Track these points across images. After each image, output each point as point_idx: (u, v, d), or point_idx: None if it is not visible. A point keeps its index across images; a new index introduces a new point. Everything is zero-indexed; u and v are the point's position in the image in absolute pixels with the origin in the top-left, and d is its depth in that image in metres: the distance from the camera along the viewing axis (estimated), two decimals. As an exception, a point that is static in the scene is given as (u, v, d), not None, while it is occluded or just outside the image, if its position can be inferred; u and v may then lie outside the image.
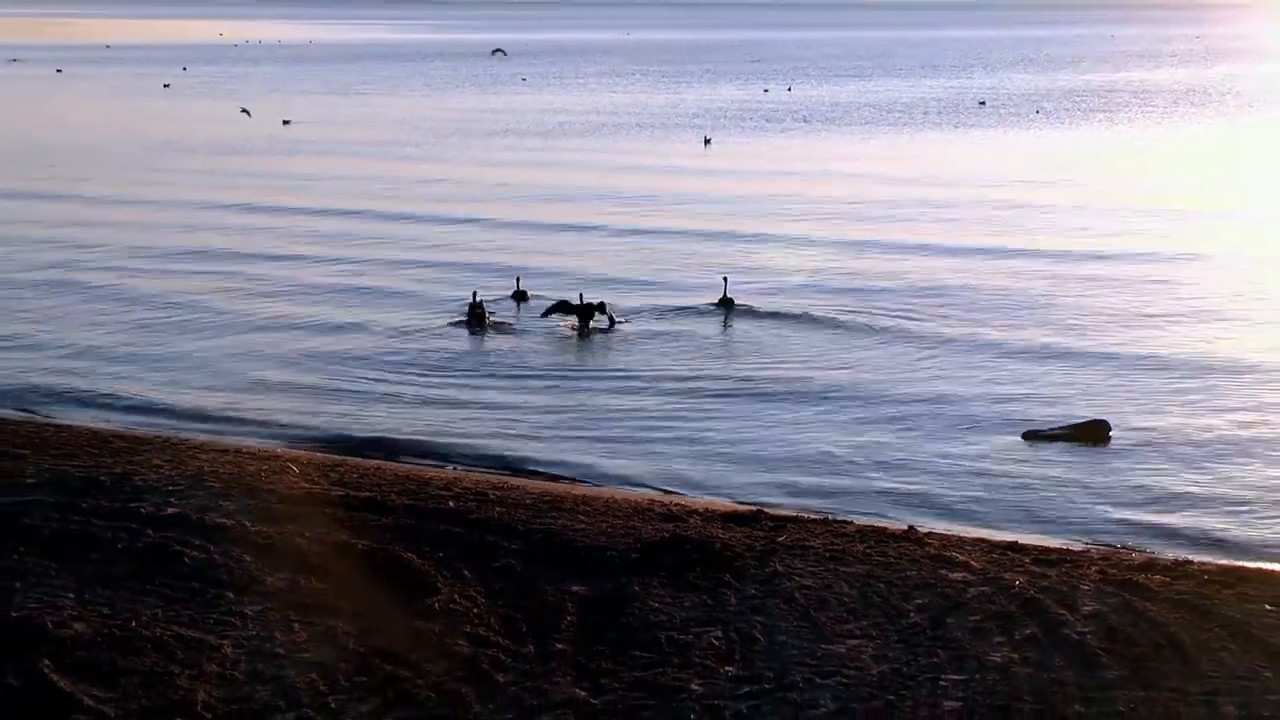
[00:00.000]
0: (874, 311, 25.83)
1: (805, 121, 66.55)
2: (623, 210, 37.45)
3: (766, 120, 67.11)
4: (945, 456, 17.69)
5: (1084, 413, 18.88)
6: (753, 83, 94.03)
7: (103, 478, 14.77)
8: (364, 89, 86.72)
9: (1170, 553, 14.20)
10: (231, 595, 11.43)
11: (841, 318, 25.39)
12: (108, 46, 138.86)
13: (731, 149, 54.58)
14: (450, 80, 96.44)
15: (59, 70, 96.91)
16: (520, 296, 27.65)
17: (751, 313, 25.95)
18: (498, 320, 25.61)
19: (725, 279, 26.21)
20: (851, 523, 14.56)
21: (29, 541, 12.51)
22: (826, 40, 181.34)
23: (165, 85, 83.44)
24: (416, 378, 21.70)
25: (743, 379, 21.61)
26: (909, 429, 18.84)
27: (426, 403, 20.39)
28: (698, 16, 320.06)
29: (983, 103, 76.82)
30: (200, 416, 19.50)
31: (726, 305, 26.45)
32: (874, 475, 16.97)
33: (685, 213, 36.30)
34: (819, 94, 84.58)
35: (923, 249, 32.35)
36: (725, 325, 25.47)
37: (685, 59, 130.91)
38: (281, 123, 61.92)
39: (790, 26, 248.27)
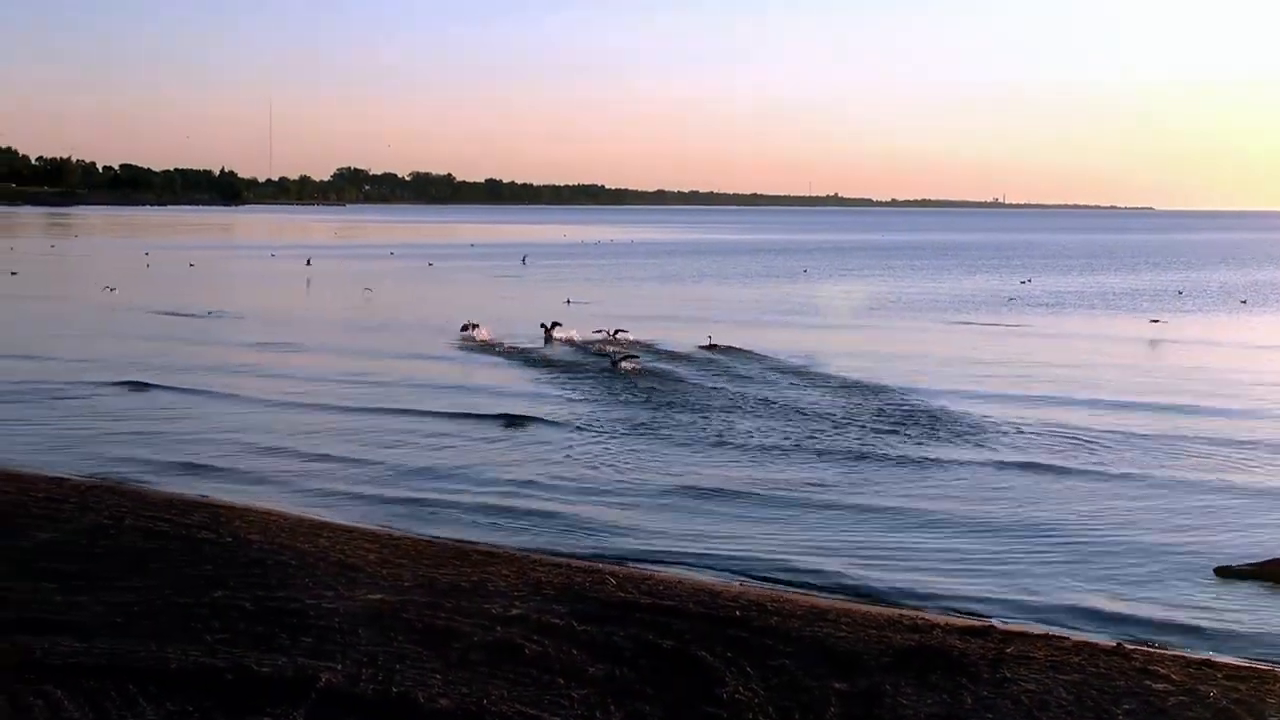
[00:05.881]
0: (1078, 454, 25.37)
1: (1045, 305, 65.71)
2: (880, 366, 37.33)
3: (1010, 303, 66.59)
4: (1150, 584, 17.14)
5: (1273, 551, 18.11)
6: (997, 275, 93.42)
7: (463, 583, 15.21)
8: (676, 279, 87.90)
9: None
10: (561, 681, 11.65)
11: (1052, 462, 24.84)
12: (472, 245, 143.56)
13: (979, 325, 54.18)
14: (752, 271, 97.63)
15: (430, 264, 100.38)
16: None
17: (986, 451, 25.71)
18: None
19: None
20: (1069, 638, 14.22)
21: (407, 632, 12.94)
22: (1052, 241, 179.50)
23: (497, 277, 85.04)
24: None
25: (961, 509, 21.23)
26: (1116, 560, 18.30)
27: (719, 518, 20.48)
28: (935, 223, 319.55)
29: (1180, 292, 75.02)
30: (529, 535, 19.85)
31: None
32: (1085, 598, 16.52)
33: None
34: (1053, 283, 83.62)
35: (1124, 405, 31.63)
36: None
37: (936, 255, 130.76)
38: (566, 301, 62.45)
39: (1022, 230, 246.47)
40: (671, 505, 21.49)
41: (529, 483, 23.10)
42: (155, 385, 34.34)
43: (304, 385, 35.13)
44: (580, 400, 32.47)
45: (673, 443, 26.61)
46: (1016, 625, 15.09)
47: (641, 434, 27.65)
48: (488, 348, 44.12)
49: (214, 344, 45.39)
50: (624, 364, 38.22)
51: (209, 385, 34.69)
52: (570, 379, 36.35)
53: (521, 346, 44.18)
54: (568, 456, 25.36)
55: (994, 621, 15.02)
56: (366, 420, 29.57)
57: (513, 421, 29.04)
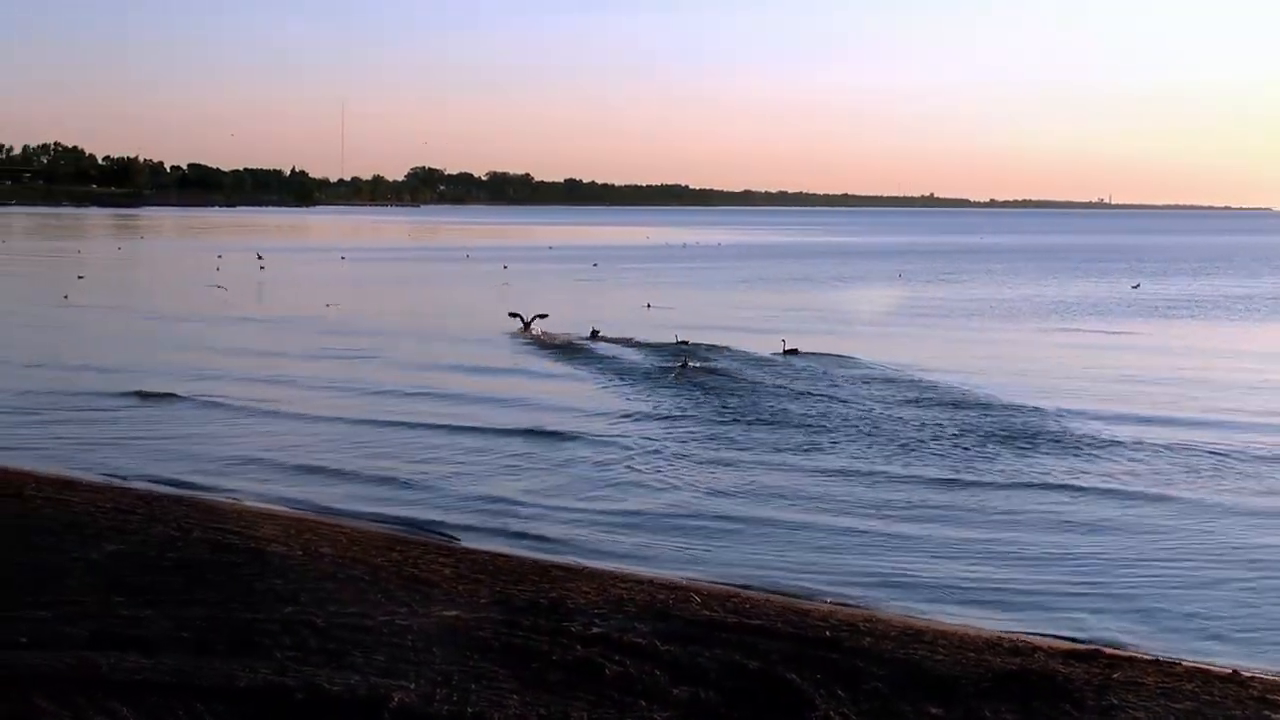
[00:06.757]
0: (1199, 478, 24.84)
1: (1158, 313, 64.57)
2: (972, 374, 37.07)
3: (1120, 309, 65.79)
4: (1262, 609, 16.86)
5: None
6: (1105, 279, 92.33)
7: (542, 600, 15.16)
8: (763, 283, 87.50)
9: None
10: (643, 703, 11.57)
11: (1166, 487, 24.22)
12: (550, 248, 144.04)
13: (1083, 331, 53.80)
14: (843, 275, 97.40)
15: (505, 266, 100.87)
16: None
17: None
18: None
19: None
20: (1180, 664, 13.96)
21: (482, 651, 12.91)
22: (1163, 244, 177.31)
23: (578, 280, 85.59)
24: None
25: (1068, 540, 20.79)
26: (1232, 585, 18.00)
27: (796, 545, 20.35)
28: (1036, 224, 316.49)
29: None
30: (611, 553, 19.81)
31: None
32: (1199, 624, 16.26)
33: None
34: (1166, 289, 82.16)
35: (1248, 426, 30.87)
36: None
37: (1038, 258, 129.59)
38: (646, 306, 63.40)
39: (1129, 232, 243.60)
40: (748, 530, 21.22)
41: (597, 500, 23.07)
42: (188, 397, 34.48)
43: (390, 402, 35.35)
44: (649, 410, 32.31)
45: (749, 460, 26.32)
46: (1126, 650, 14.87)
47: (716, 448, 27.53)
48: (553, 348, 46.36)
49: (298, 355, 45.81)
50: (693, 363, 39.50)
51: (276, 398, 34.98)
52: (639, 385, 36.56)
53: (586, 348, 45.84)
54: (635, 472, 25.17)
55: (1101, 646, 14.84)
56: (425, 437, 29.44)
57: (575, 437, 28.80)
